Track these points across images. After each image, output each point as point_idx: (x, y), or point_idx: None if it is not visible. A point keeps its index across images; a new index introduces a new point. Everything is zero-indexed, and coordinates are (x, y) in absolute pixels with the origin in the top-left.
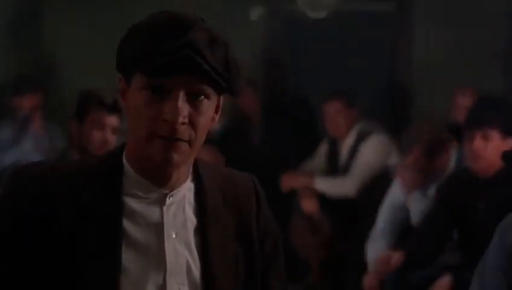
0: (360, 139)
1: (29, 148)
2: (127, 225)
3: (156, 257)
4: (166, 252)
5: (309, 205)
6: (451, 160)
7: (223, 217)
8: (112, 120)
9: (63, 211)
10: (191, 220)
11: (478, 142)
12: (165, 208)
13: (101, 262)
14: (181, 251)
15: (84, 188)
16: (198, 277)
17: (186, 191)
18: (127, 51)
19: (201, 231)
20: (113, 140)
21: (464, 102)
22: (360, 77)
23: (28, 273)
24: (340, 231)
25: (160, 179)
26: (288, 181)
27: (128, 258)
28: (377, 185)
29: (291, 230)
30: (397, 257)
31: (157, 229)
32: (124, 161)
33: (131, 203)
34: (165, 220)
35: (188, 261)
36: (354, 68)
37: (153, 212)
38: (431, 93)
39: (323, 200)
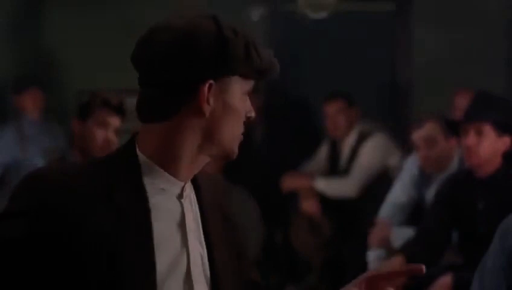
0: (361, 139)
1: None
2: (153, 220)
3: (180, 251)
4: (190, 246)
5: (309, 206)
6: (455, 150)
7: (215, 215)
8: (116, 121)
9: (96, 213)
10: (198, 215)
11: (471, 137)
12: (182, 200)
13: (139, 263)
14: (196, 245)
15: (112, 187)
16: (209, 272)
17: (189, 185)
18: (239, 56)
19: (204, 228)
20: (115, 141)
21: (463, 102)
22: (360, 77)
23: (65, 279)
24: (340, 231)
25: (188, 172)
26: (289, 182)
27: (158, 255)
28: (377, 185)
29: (291, 230)
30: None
31: (180, 222)
32: (140, 154)
33: (153, 197)
34: (185, 213)
35: (201, 256)
36: (354, 68)
37: (173, 205)
38: (431, 93)
39: (324, 200)
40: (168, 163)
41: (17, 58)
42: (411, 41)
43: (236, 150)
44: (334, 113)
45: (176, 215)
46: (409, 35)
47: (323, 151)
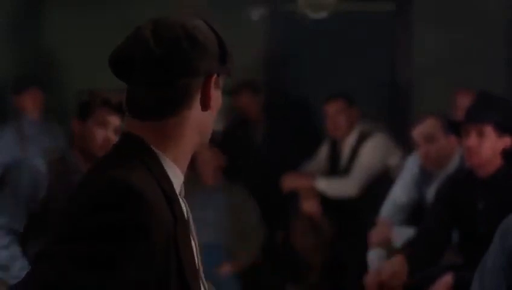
0: (361, 139)
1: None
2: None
3: (195, 247)
4: (196, 241)
5: (310, 206)
6: (456, 149)
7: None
8: (116, 120)
9: (167, 214)
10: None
11: (473, 139)
12: (182, 195)
13: (190, 260)
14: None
15: (161, 187)
16: None
17: None
18: (228, 50)
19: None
20: (115, 140)
21: (464, 102)
22: (360, 77)
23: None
24: (340, 231)
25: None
26: (289, 182)
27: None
28: (378, 185)
29: (291, 230)
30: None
31: (187, 218)
32: (158, 152)
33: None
34: (188, 209)
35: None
36: (354, 68)
37: (182, 201)
38: (431, 93)
39: (324, 200)
40: (178, 159)
41: (17, 58)
42: (411, 41)
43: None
44: (334, 113)
45: (186, 212)
46: (409, 35)
47: (323, 151)
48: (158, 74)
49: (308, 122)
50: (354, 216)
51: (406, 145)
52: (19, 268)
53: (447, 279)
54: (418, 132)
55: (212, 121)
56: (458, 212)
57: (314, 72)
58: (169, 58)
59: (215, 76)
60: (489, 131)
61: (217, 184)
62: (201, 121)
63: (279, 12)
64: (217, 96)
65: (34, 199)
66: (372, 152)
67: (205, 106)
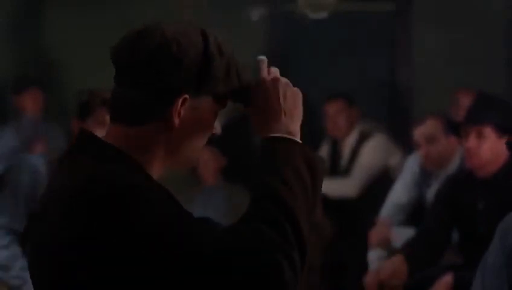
0: (361, 139)
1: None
2: None
3: None
4: None
5: None
6: (457, 148)
7: None
8: None
9: None
10: None
11: (472, 140)
12: None
13: None
14: None
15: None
16: None
17: None
18: (213, 73)
19: None
20: None
21: (464, 102)
22: (360, 77)
23: None
24: (340, 231)
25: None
26: None
27: None
28: (378, 185)
29: None
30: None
31: None
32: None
33: None
34: None
35: None
36: (354, 68)
37: None
38: (431, 93)
39: (324, 200)
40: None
41: (17, 58)
42: (411, 41)
43: (195, 161)
44: (334, 113)
45: None
46: (409, 35)
47: (323, 151)
48: (123, 77)
49: (308, 122)
50: (354, 216)
51: (406, 145)
52: (19, 268)
53: (447, 279)
54: (419, 132)
55: (189, 145)
56: (458, 213)
57: (314, 72)
58: (135, 65)
59: (186, 96)
60: (488, 132)
61: (217, 184)
62: (167, 140)
63: (279, 12)
64: (190, 118)
65: (34, 199)
66: (373, 152)
67: (167, 125)
